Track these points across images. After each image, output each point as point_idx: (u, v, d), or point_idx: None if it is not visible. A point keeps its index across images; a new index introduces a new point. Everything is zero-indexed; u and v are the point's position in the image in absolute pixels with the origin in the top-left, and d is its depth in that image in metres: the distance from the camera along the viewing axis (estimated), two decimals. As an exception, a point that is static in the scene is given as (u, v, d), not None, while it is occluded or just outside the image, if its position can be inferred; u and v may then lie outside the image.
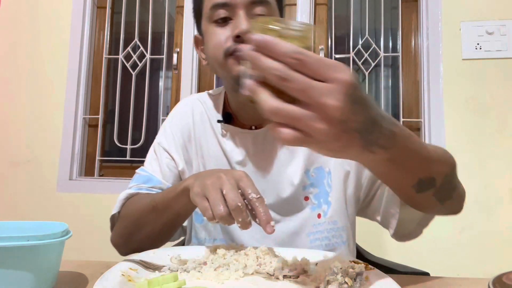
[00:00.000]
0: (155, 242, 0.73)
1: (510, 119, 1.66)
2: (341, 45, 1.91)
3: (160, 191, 0.80)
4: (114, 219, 0.81)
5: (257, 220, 0.55)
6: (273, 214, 0.78)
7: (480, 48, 1.69)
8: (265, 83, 0.39)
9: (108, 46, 2.02)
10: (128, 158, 1.91)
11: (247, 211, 0.55)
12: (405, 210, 0.68)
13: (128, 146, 1.91)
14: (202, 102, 0.90)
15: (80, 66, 1.96)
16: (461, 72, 1.70)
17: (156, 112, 1.97)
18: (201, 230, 0.85)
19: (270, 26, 0.41)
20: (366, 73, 1.84)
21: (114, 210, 0.81)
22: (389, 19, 1.90)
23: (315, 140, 0.39)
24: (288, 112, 0.38)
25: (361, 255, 1.02)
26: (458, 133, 1.68)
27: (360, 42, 1.85)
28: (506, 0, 1.70)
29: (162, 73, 2.04)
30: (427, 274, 0.79)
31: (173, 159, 0.85)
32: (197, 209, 0.63)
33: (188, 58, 1.91)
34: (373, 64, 1.83)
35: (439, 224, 1.69)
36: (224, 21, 0.78)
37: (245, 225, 0.55)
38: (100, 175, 1.95)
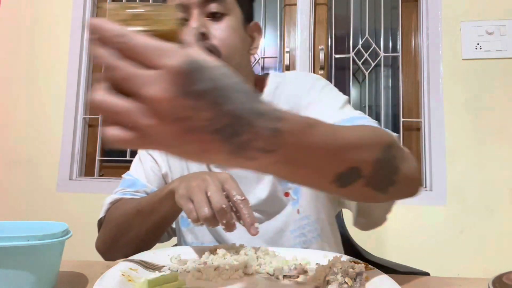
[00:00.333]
0: (140, 247, 0.71)
1: (510, 119, 1.66)
2: (341, 45, 1.91)
3: (145, 194, 0.80)
4: (100, 224, 0.82)
5: (241, 221, 0.55)
6: (258, 215, 0.78)
7: (480, 48, 1.69)
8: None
9: (108, 46, 2.02)
10: (128, 158, 1.90)
11: (231, 213, 0.55)
12: None
13: (128, 146, 1.91)
14: None
15: (80, 66, 1.96)
16: (461, 72, 1.70)
17: (156, 112, 1.96)
18: (187, 234, 0.85)
19: (120, 11, 0.37)
20: (366, 73, 1.84)
21: (100, 215, 0.81)
22: (389, 19, 1.90)
23: (155, 140, 0.33)
24: (109, 104, 0.32)
25: (361, 255, 1.02)
26: (458, 133, 1.68)
27: (360, 42, 1.85)
28: (506, 0, 1.70)
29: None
30: (427, 274, 0.79)
31: (156, 162, 0.85)
32: (183, 213, 0.63)
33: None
34: (373, 64, 1.83)
35: (439, 224, 1.70)
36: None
37: (229, 227, 0.55)
38: (100, 175, 1.95)
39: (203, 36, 0.74)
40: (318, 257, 0.60)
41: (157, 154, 0.86)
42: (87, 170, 1.96)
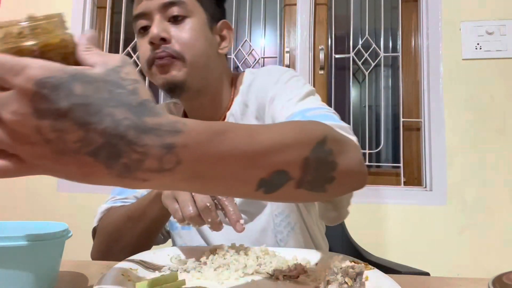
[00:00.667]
0: (134, 253, 0.72)
1: (510, 119, 1.66)
2: (341, 45, 1.91)
3: (135, 200, 0.80)
4: (94, 233, 0.82)
5: (226, 219, 0.55)
6: (243, 216, 0.79)
7: (480, 48, 1.69)
8: None
9: (108, 46, 2.02)
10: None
11: (216, 212, 0.55)
12: None
13: (128, 146, 1.91)
14: (169, 110, 0.92)
15: (80, 66, 1.96)
16: (461, 72, 1.70)
17: (156, 112, 1.96)
18: (177, 238, 0.86)
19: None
20: (366, 73, 1.84)
21: (94, 223, 0.82)
22: (389, 19, 1.90)
23: (34, 165, 0.31)
24: None
25: (361, 255, 1.02)
26: (458, 133, 1.68)
27: (360, 42, 1.85)
28: (506, 0, 1.70)
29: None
30: (427, 274, 0.79)
31: None
32: (171, 217, 0.63)
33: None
34: (373, 64, 1.83)
35: (439, 224, 1.70)
36: (145, 30, 0.79)
37: (215, 226, 0.55)
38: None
39: (164, 41, 0.75)
40: (318, 257, 0.60)
41: None
42: (87, 170, 1.96)
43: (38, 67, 0.29)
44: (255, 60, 1.92)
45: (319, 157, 0.44)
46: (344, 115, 1.86)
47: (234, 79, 0.87)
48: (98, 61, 0.33)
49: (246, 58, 1.93)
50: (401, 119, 1.78)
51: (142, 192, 0.81)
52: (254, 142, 0.39)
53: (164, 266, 0.58)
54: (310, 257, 0.60)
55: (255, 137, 0.39)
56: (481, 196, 1.64)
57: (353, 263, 0.51)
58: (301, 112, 0.68)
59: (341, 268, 0.47)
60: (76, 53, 0.34)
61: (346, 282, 0.46)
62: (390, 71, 1.93)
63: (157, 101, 1.97)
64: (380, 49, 1.83)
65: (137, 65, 2.00)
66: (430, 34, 1.75)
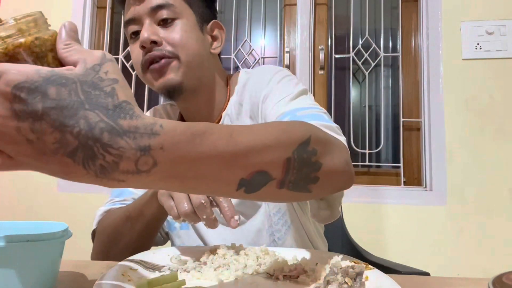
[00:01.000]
0: (134, 253, 0.72)
1: (510, 119, 1.66)
2: (341, 45, 1.91)
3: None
4: (94, 235, 0.82)
5: (222, 216, 0.55)
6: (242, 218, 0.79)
7: (480, 48, 1.69)
8: None
9: (108, 46, 2.02)
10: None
11: (211, 208, 0.55)
12: None
13: (128, 146, 1.91)
14: (165, 112, 0.92)
15: (80, 66, 1.96)
16: (461, 72, 1.70)
17: (156, 112, 1.96)
18: (175, 238, 0.86)
19: None
20: (366, 73, 1.84)
21: (93, 226, 0.82)
22: (389, 19, 1.90)
23: (20, 162, 0.32)
24: None
25: (361, 255, 1.02)
26: (458, 133, 1.68)
27: (360, 42, 1.85)
28: (506, 0, 1.70)
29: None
30: (427, 274, 0.79)
31: None
32: (169, 218, 0.64)
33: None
34: (373, 64, 1.83)
35: (439, 224, 1.70)
36: (136, 35, 0.79)
37: (210, 223, 0.55)
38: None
39: (156, 44, 0.75)
40: (318, 257, 0.60)
41: None
42: (87, 170, 1.96)
43: (15, 72, 0.30)
44: (255, 60, 1.93)
45: (302, 157, 0.44)
46: (344, 115, 1.86)
47: (229, 79, 0.88)
48: (78, 59, 0.33)
49: (246, 58, 1.93)
50: (401, 119, 1.78)
51: (140, 193, 0.82)
52: (234, 143, 0.39)
53: (164, 266, 0.58)
54: (310, 257, 0.60)
55: (235, 137, 0.39)
56: (481, 196, 1.64)
57: (353, 263, 0.51)
58: (292, 112, 0.68)
59: (341, 268, 0.47)
60: (56, 50, 0.34)
61: (346, 282, 0.46)
62: (390, 71, 1.93)
63: (157, 102, 1.97)
64: (380, 49, 1.84)
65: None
66: (430, 34, 1.75)
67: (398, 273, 0.86)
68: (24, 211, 1.89)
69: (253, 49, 1.92)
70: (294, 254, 0.60)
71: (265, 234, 0.80)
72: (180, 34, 0.77)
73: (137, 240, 0.73)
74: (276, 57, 1.94)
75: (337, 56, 1.89)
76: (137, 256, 0.59)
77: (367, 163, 1.78)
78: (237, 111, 0.82)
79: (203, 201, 0.54)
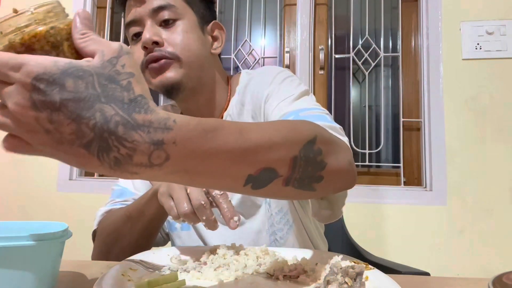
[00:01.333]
0: (134, 253, 0.72)
1: (510, 119, 1.66)
2: (341, 45, 1.91)
3: None
4: (94, 236, 0.82)
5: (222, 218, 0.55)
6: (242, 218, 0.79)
7: (480, 48, 1.69)
8: None
9: (108, 46, 2.02)
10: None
11: (211, 210, 0.55)
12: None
13: (128, 146, 1.91)
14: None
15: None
16: (461, 72, 1.70)
17: (156, 112, 1.96)
18: (176, 239, 0.86)
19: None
20: (366, 73, 1.84)
21: (94, 226, 0.82)
22: (389, 19, 1.90)
23: (37, 149, 0.33)
24: None
25: (361, 255, 1.02)
26: (458, 133, 1.68)
27: (360, 42, 1.85)
28: (506, 0, 1.70)
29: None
30: (427, 274, 0.79)
31: None
32: (169, 218, 0.64)
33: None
34: (373, 64, 1.83)
35: (439, 224, 1.70)
36: (137, 37, 0.80)
37: (210, 224, 0.55)
38: (100, 175, 1.95)
39: (157, 45, 0.75)
40: (318, 257, 0.60)
41: None
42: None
43: (34, 64, 0.31)
44: (255, 60, 1.93)
45: (308, 156, 0.45)
46: (344, 115, 1.86)
47: (230, 80, 0.88)
48: (95, 50, 0.33)
49: (246, 58, 1.93)
50: (401, 119, 1.78)
51: (140, 194, 0.82)
52: (244, 139, 0.39)
53: (164, 266, 0.58)
54: (310, 257, 0.60)
55: (245, 134, 0.40)
56: (481, 196, 1.64)
57: (353, 263, 0.51)
58: (295, 112, 0.69)
59: (341, 268, 0.47)
60: (72, 39, 0.35)
61: (346, 282, 0.46)
62: (390, 71, 1.93)
63: (157, 98, 1.97)
64: (380, 49, 1.83)
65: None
66: (430, 34, 1.75)
67: (398, 273, 0.86)
68: (23, 211, 1.89)
69: (253, 49, 1.92)
70: (294, 254, 0.60)
71: (265, 234, 0.80)
72: (182, 35, 0.77)
73: (138, 240, 0.73)
74: (276, 57, 1.94)
75: (337, 56, 1.89)
76: (137, 256, 0.59)
77: (367, 163, 1.78)
78: (239, 111, 0.82)
79: (202, 202, 0.54)
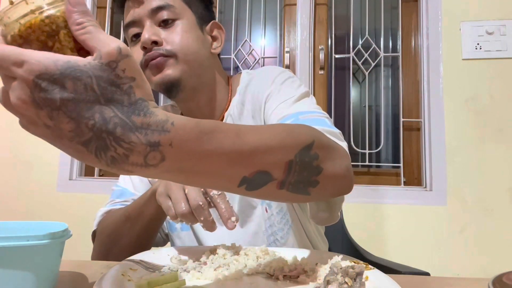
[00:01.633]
0: (134, 254, 0.72)
1: (510, 119, 1.66)
2: (341, 45, 1.91)
3: None
4: (94, 236, 0.82)
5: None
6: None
7: (480, 48, 1.69)
8: None
9: (108, 46, 2.02)
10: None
11: (209, 210, 0.55)
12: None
13: (128, 146, 1.91)
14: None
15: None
16: (461, 72, 1.70)
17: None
18: (175, 239, 0.86)
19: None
20: (366, 73, 1.84)
21: (94, 227, 0.82)
22: (389, 19, 1.90)
23: (41, 137, 0.34)
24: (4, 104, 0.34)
25: (361, 255, 1.02)
26: (458, 133, 1.68)
27: (360, 42, 1.85)
28: (506, 0, 1.70)
29: (162, 73, 2.04)
30: (427, 274, 0.79)
31: None
32: (169, 218, 0.64)
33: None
34: (373, 64, 1.83)
35: (439, 224, 1.69)
36: (136, 38, 0.80)
37: (208, 225, 0.55)
38: (100, 175, 1.95)
39: (156, 44, 0.76)
40: (318, 257, 0.60)
41: None
42: (87, 170, 1.96)
43: (35, 62, 0.31)
44: (255, 60, 1.92)
45: (304, 161, 0.46)
46: (344, 115, 1.86)
47: (230, 80, 0.88)
48: (93, 48, 0.33)
49: (246, 58, 1.93)
50: (401, 119, 1.78)
51: (140, 194, 0.82)
52: (240, 142, 0.40)
53: (164, 266, 0.58)
54: (310, 257, 0.60)
55: (242, 137, 0.40)
56: (481, 196, 1.64)
57: (353, 263, 0.51)
58: (295, 115, 0.69)
59: (341, 268, 0.47)
60: (69, 28, 0.34)
61: (346, 282, 0.46)
62: (390, 71, 1.93)
63: (157, 99, 1.97)
64: (380, 49, 1.83)
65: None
66: (430, 34, 1.75)
67: (398, 273, 0.86)
68: (23, 211, 1.89)
69: (253, 49, 1.92)
70: (294, 254, 0.60)
71: (261, 236, 0.80)
72: (181, 34, 0.77)
73: (137, 240, 0.73)
74: (276, 57, 1.94)
75: (337, 56, 1.89)
76: (137, 256, 0.59)
77: (367, 163, 1.78)
78: (239, 111, 0.82)
79: (200, 203, 0.54)
